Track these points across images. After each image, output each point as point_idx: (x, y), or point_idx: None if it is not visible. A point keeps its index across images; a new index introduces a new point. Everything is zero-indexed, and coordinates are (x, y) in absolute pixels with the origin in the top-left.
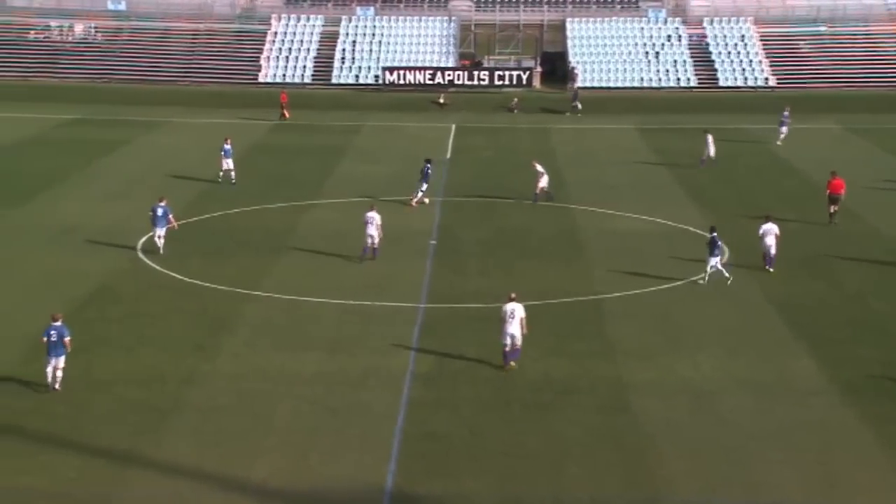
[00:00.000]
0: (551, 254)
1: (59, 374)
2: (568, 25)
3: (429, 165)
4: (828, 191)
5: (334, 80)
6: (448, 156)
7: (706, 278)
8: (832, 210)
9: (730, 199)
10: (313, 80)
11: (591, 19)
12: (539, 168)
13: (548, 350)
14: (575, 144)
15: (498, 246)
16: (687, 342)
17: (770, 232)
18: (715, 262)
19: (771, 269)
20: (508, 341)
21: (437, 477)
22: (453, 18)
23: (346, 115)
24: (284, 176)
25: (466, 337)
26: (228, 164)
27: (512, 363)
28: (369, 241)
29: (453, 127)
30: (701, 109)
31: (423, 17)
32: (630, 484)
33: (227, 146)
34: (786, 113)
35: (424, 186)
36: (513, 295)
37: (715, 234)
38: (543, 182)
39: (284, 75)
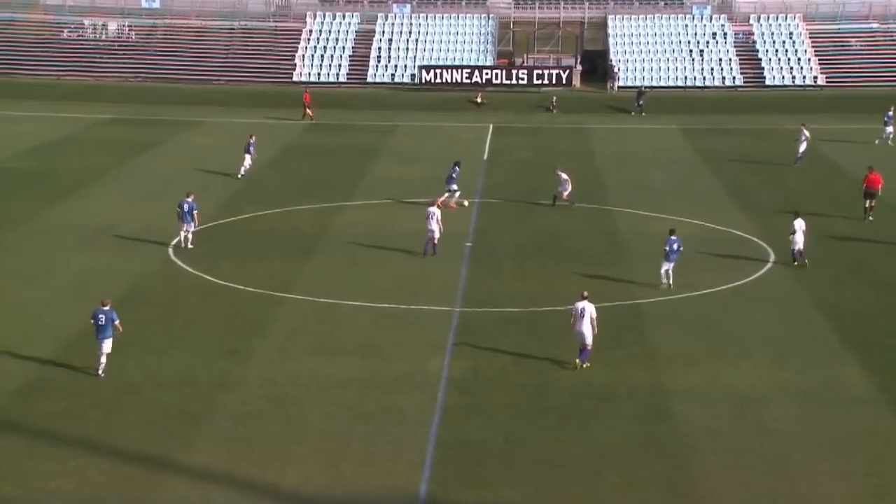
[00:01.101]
0: (590, 257)
1: (104, 359)
2: (609, 23)
3: (456, 168)
4: (864, 185)
5: (370, 79)
6: (485, 157)
7: (668, 283)
8: (868, 205)
9: (776, 201)
10: (348, 79)
11: (634, 16)
12: (563, 176)
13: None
14: (616, 145)
15: (535, 249)
16: (730, 348)
17: (798, 228)
18: (670, 266)
19: (806, 261)
20: (580, 340)
21: (471, 485)
22: (491, 16)
23: (382, 114)
24: (318, 177)
25: (502, 341)
26: (248, 160)
27: (582, 363)
28: (429, 235)
29: (491, 127)
30: (747, 109)
31: (461, 15)
32: (671, 495)
33: (252, 141)
34: (890, 113)
35: (454, 187)
36: (585, 293)
37: (673, 237)
38: (566, 190)
39: (319, 74)
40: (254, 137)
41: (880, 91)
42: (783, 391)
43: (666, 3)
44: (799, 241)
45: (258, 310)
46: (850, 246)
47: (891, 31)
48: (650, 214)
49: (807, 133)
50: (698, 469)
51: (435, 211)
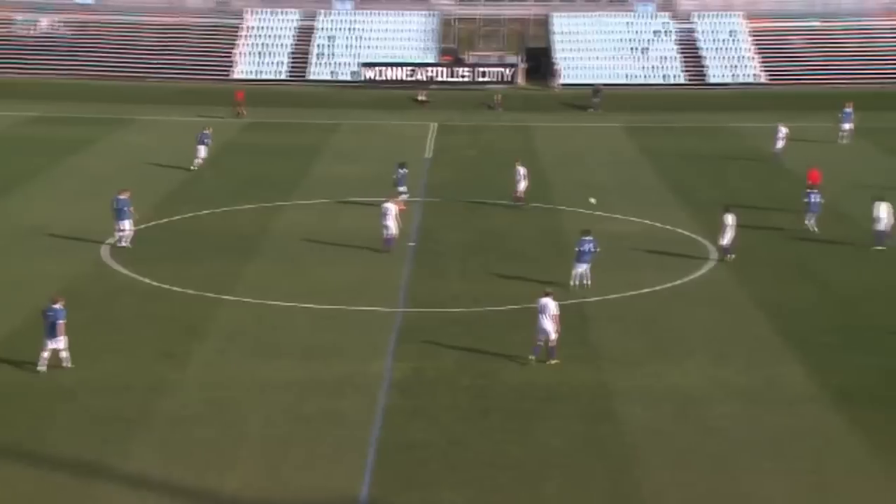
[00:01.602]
0: (535, 256)
1: (63, 354)
2: (552, 20)
3: (400, 170)
4: (808, 181)
5: (310, 77)
6: (429, 155)
7: (588, 283)
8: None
9: (719, 199)
10: (288, 76)
11: (577, 14)
12: (522, 170)
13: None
14: (560, 144)
15: (480, 248)
16: (673, 348)
17: (728, 223)
18: (584, 268)
19: (732, 256)
20: (542, 337)
21: (413, 488)
22: (434, 13)
23: (323, 112)
24: (257, 176)
25: (446, 343)
26: (203, 152)
27: (552, 361)
28: (385, 232)
29: (434, 125)
30: (690, 107)
31: (404, 12)
32: (614, 495)
33: (208, 132)
34: (848, 110)
35: (403, 188)
36: (548, 290)
37: (588, 237)
38: (521, 186)
39: (259, 71)
40: (210, 129)
41: (822, 89)
42: (725, 390)
43: (609, 1)
44: (728, 235)
45: (196, 312)
46: (791, 244)
47: (832, 29)
48: (595, 213)
49: (784, 130)
50: (641, 469)
51: (390, 207)
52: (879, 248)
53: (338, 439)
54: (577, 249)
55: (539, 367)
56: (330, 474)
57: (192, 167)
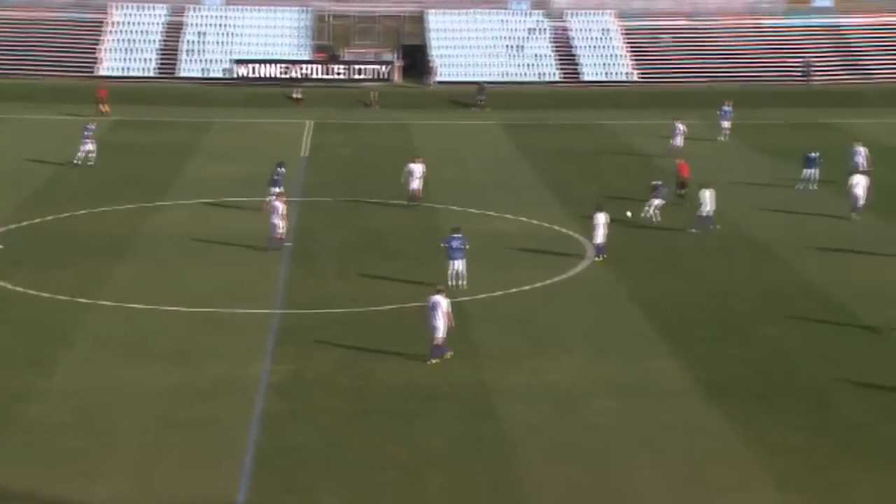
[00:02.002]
0: (414, 255)
1: None
2: (428, 17)
3: (279, 169)
4: (680, 175)
5: (181, 74)
6: (305, 154)
7: (464, 283)
8: (682, 193)
9: (594, 196)
10: (158, 73)
11: (452, 11)
12: (417, 169)
13: (409, 356)
14: (437, 141)
15: (358, 248)
16: (551, 345)
17: (600, 222)
18: (459, 265)
19: (604, 256)
20: (436, 334)
21: (292, 492)
22: (308, 9)
23: (194, 111)
24: (127, 176)
25: (325, 344)
26: (88, 146)
27: (445, 356)
28: (274, 230)
29: (310, 123)
30: (565, 105)
31: (276, 7)
32: (494, 493)
33: (92, 127)
34: (727, 108)
35: (277, 189)
36: (439, 287)
37: (457, 234)
38: (416, 185)
39: (126, 68)
40: (94, 124)
41: (692, 87)
42: (603, 385)
43: None
44: (600, 234)
45: (63, 318)
46: (665, 239)
47: (700, 28)
48: (473, 212)
49: (681, 126)
50: (521, 466)
51: (278, 205)
52: (693, 230)
53: (214, 445)
54: (444, 246)
55: (418, 366)
56: (206, 481)
57: (75, 161)
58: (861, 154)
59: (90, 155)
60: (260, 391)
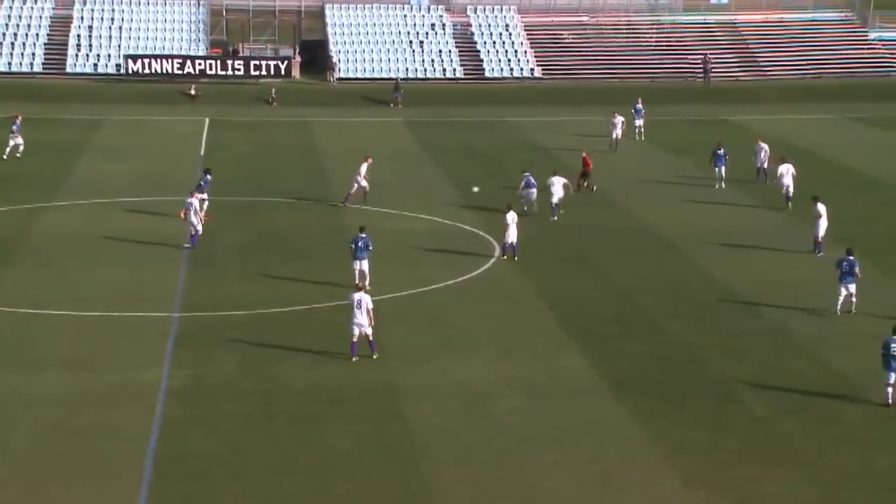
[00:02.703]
0: (318, 255)
1: None
2: (327, 12)
3: (207, 176)
4: (584, 166)
5: (69, 70)
6: (202, 152)
7: (367, 282)
8: (584, 183)
9: (500, 194)
10: (45, 69)
11: (352, 5)
12: (362, 172)
13: (314, 358)
14: (340, 139)
15: (260, 249)
16: (459, 344)
17: (511, 221)
18: (365, 264)
19: (516, 258)
20: (356, 332)
21: (194, 500)
22: (202, 2)
23: (85, 108)
24: (14, 176)
25: (226, 347)
26: (18, 139)
27: (374, 356)
28: (190, 229)
29: (207, 121)
30: (468, 101)
31: (169, 1)
32: (403, 495)
33: (18, 122)
34: (638, 106)
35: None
36: (359, 283)
37: (363, 234)
38: (362, 183)
39: (10, 63)
40: (20, 118)
41: (593, 84)
42: (511, 384)
43: None
44: (512, 234)
45: None
46: (571, 236)
47: (600, 26)
48: (378, 210)
49: (620, 118)
50: (430, 468)
51: (193, 202)
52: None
53: (112, 453)
54: (351, 246)
55: (324, 368)
56: (103, 491)
57: (3, 156)
58: (764, 151)
59: (20, 148)
60: (159, 397)
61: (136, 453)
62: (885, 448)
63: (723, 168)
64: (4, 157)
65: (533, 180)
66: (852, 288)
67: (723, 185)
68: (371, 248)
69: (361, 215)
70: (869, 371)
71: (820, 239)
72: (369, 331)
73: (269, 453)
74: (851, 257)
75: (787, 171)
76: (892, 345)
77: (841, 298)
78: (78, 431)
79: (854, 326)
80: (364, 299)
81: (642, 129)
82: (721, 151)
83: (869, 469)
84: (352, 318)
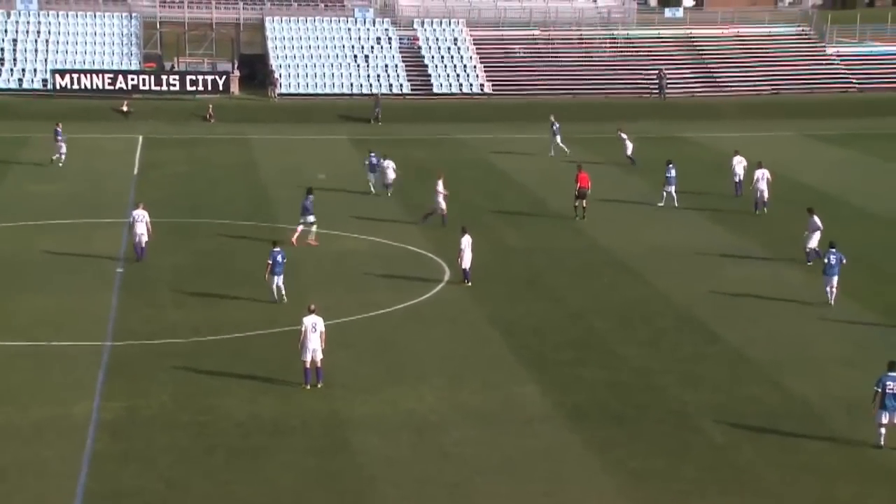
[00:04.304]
0: (257, 280)
1: None
2: (267, 24)
3: (310, 196)
4: (577, 185)
5: None
6: (135, 171)
7: (283, 295)
8: (580, 205)
9: (450, 215)
10: None
11: (293, 18)
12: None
13: (254, 388)
14: (280, 157)
15: (196, 273)
16: (408, 371)
17: (465, 245)
18: (280, 279)
19: (468, 283)
20: (309, 357)
21: None
22: (134, 14)
23: (9, 125)
24: None
25: (162, 377)
26: (62, 148)
27: (318, 384)
28: (137, 239)
29: (140, 138)
30: (415, 118)
31: (98, 13)
32: None
33: (59, 129)
34: (555, 125)
35: (311, 218)
36: (312, 307)
37: (276, 248)
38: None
39: None
40: (60, 125)
41: (544, 100)
42: (461, 413)
43: (326, 6)
44: (467, 259)
45: None
46: (522, 259)
47: (551, 39)
48: (321, 231)
49: (625, 135)
50: (378, 502)
51: (143, 213)
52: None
53: (38, 492)
54: (269, 262)
55: (267, 398)
56: None
57: (59, 164)
58: (743, 164)
59: (62, 157)
60: (90, 431)
61: (66, 491)
62: (848, 476)
63: (673, 187)
64: (60, 164)
65: (375, 161)
66: (834, 281)
67: (674, 203)
68: (283, 262)
69: (304, 234)
70: (830, 396)
71: (817, 248)
72: (320, 356)
73: (208, 489)
74: (834, 249)
75: (762, 176)
76: (889, 383)
77: (829, 290)
78: (3, 469)
79: (813, 351)
80: (318, 323)
81: (560, 145)
82: (672, 169)
83: (831, 498)
84: (306, 343)
